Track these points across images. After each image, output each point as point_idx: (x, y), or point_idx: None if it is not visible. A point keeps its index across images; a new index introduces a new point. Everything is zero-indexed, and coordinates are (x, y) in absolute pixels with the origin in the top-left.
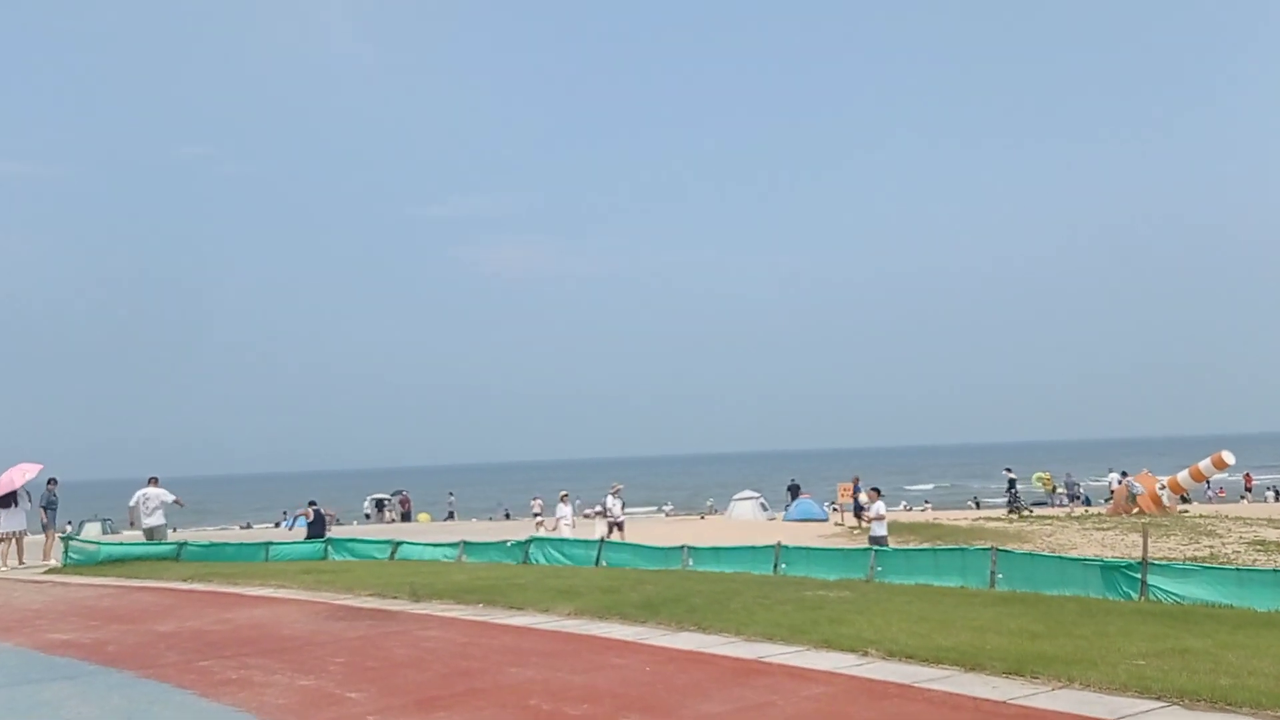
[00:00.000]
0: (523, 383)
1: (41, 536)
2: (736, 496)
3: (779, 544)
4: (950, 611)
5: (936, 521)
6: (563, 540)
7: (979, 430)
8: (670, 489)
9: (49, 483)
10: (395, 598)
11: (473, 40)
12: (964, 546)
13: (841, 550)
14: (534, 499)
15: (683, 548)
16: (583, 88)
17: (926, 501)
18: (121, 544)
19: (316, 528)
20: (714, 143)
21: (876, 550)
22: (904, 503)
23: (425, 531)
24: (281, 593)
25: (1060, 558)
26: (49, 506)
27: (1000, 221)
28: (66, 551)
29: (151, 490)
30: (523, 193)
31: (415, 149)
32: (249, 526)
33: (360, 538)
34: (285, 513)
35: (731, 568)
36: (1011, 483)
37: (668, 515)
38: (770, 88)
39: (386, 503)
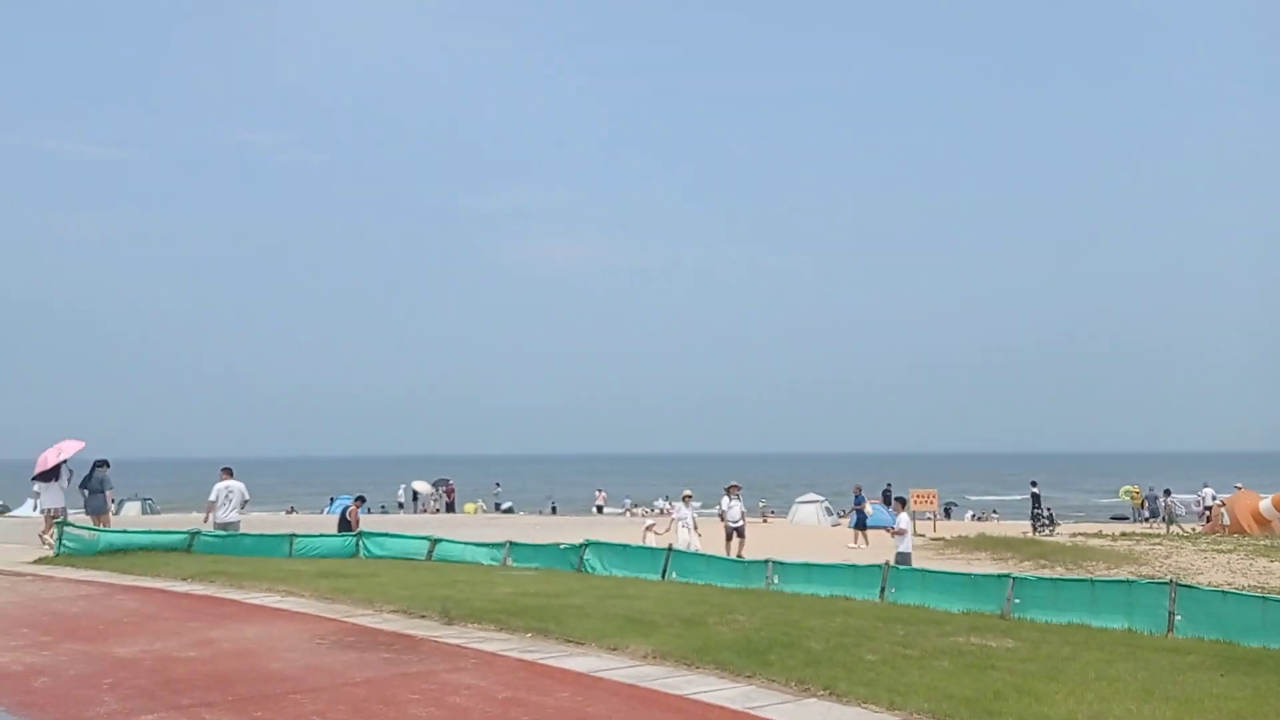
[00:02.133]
0: (568, 375)
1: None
2: (800, 500)
3: (887, 564)
4: (1174, 680)
5: (1004, 536)
6: (625, 547)
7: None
8: (712, 488)
9: (97, 464)
10: (423, 616)
11: (525, 32)
12: (1130, 578)
13: (968, 576)
14: (598, 491)
15: (766, 562)
16: (635, 80)
17: (995, 512)
18: (125, 531)
19: (344, 525)
20: (772, 137)
21: (1014, 578)
22: (970, 512)
23: (468, 524)
24: (288, 602)
25: (1263, 597)
26: (98, 489)
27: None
28: (60, 539)
29: (231, 483)
30: (573, 185)
31: (469, 139)
32: (293, 511)
33: (397, 532)
34: (331, 499)
35: (828, 589)
36: (1036, 497)
37: (724, 518)
38: (824, 87)
39: (431, 494)
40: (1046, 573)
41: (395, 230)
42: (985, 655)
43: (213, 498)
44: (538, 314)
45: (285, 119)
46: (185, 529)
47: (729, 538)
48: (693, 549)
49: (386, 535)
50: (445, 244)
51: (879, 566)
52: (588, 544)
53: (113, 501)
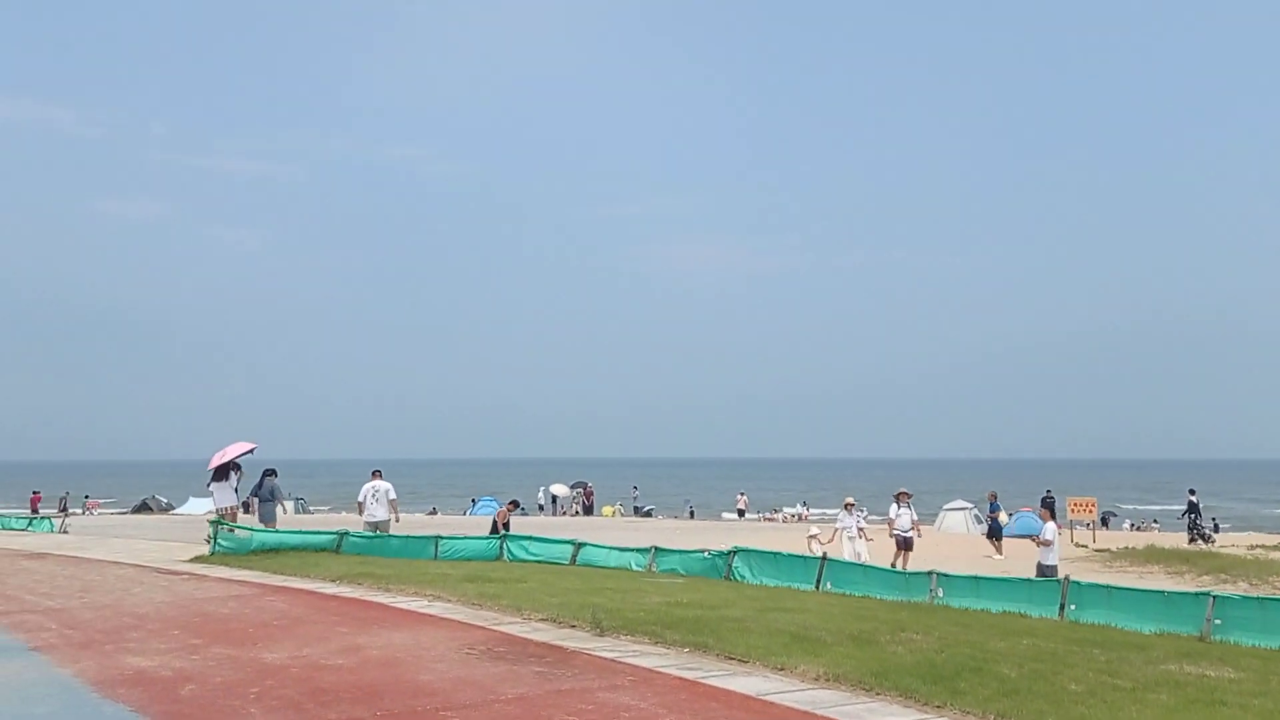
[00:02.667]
0: (706, 379)
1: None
2: (947, 506)
3: (1066, 578)
4: None
5: (1177, 548)
6: (775, 554)
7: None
8: (829, 491)
9: (267, 473)
10: (573, 626)
11: (664, 42)
12: None
13: (1160, 593)
14: (739, 495)
15: (930, 574)
16: (770, 91)
17: (1155, 521)
18: (277, 531)
19: (496, 527)
20: (899, 147)
21: (1214, 596)
22: (1129, 521)
23: (608, 527)
24: (435, 607)
25: None
26: (269, 498)
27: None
28: (215, 538)
29: (379, 484)
30: (711, 192)
31: (605, 150)
32: (434, 512)
33: (540, 536)
34: (473, 500)
35: (999, 605)
36: (1193, 505)
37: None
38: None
39: (570, 496)
40: (1229, 588)
41: (533, 238)
42: (1207, 687)
43: (361, 498)
44: (661, 320)
45: (429, 134)
46: (334, 529)
47: (899, 547)
48: (861, 560)
49: (530, 538)
50: (582, 252)
51: (1057, 581)
52: (736, 551)
53: (283, 508)
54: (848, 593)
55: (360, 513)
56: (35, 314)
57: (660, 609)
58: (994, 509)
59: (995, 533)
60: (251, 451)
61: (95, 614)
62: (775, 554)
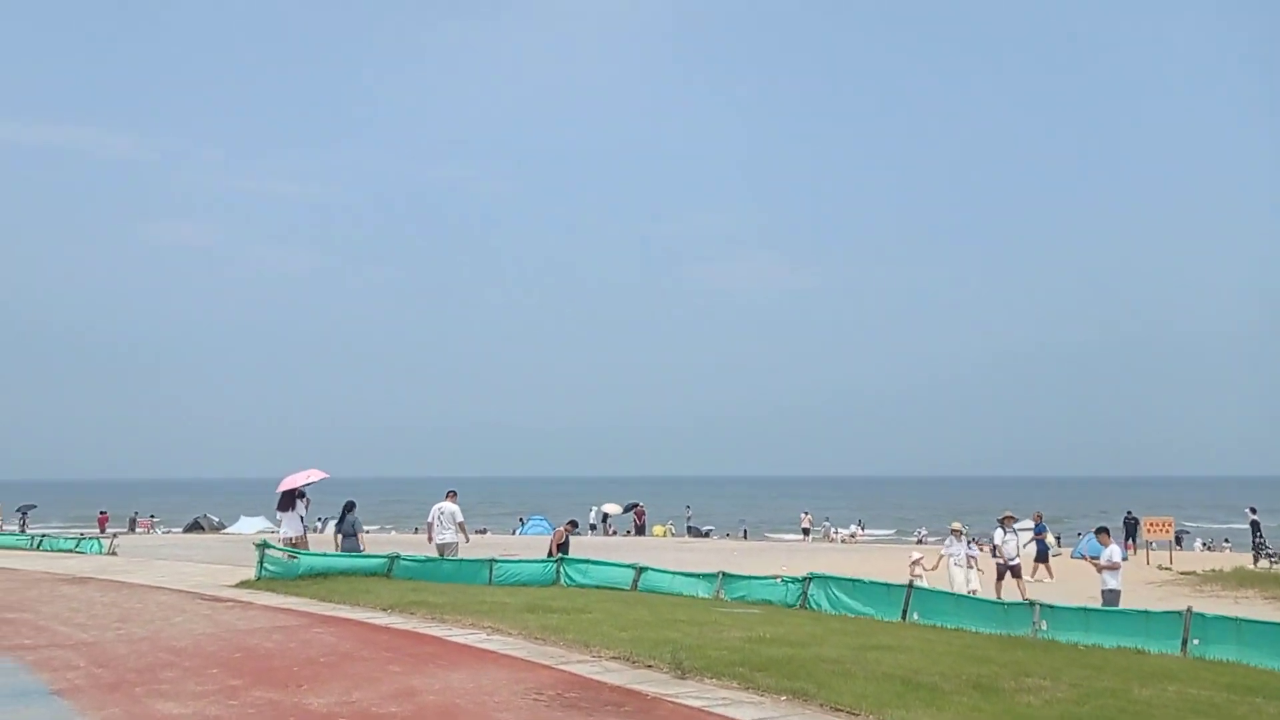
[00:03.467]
0: (743, 397)
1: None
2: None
3: (1189, 610)
4: None
5: (1272, 571)
6: (854, 581)
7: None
8: (884, 511)
9: (348, 507)
10: (650, 666)
11: (709, 59)
12: None
13: None
14: (803, 513)
15: (1032, 605)
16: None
17: (1226, 541)
18: (326, 555)
19: (564, 549)
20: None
21: None
22: (1200, 541)
23: (662, 548)
24: (494, 641)
25: None
26: (351, 532)
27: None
28: (261, 562)
29: (446, 505)
30: (755, 209)
31: (651, 166)
32: (484, 531)
33: (600, 559)
34: (522, 519)
35: (1113, 639)
36: (1256, 525)
37: (923, 543)
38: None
39: (622, 516)
40: None
41: (576, 256)
42: None
43: (430, 519)
44: (701, 335)
45: (472, 154)
46: (385, 553)
47: (1000, 576)
48: (970, 591)
49: (589, 562)
50: (634, 269)
51: (1177, 614)
52: (812, 577)
53: (363, 543)
54: (940, 625)
55: (430, 535)
56: (89, 336)
57: (744, 646)
58: (1039, 530)
59: (1042, 555)
60: (312, 482)
61: (129, 649)
62: (855, 581)
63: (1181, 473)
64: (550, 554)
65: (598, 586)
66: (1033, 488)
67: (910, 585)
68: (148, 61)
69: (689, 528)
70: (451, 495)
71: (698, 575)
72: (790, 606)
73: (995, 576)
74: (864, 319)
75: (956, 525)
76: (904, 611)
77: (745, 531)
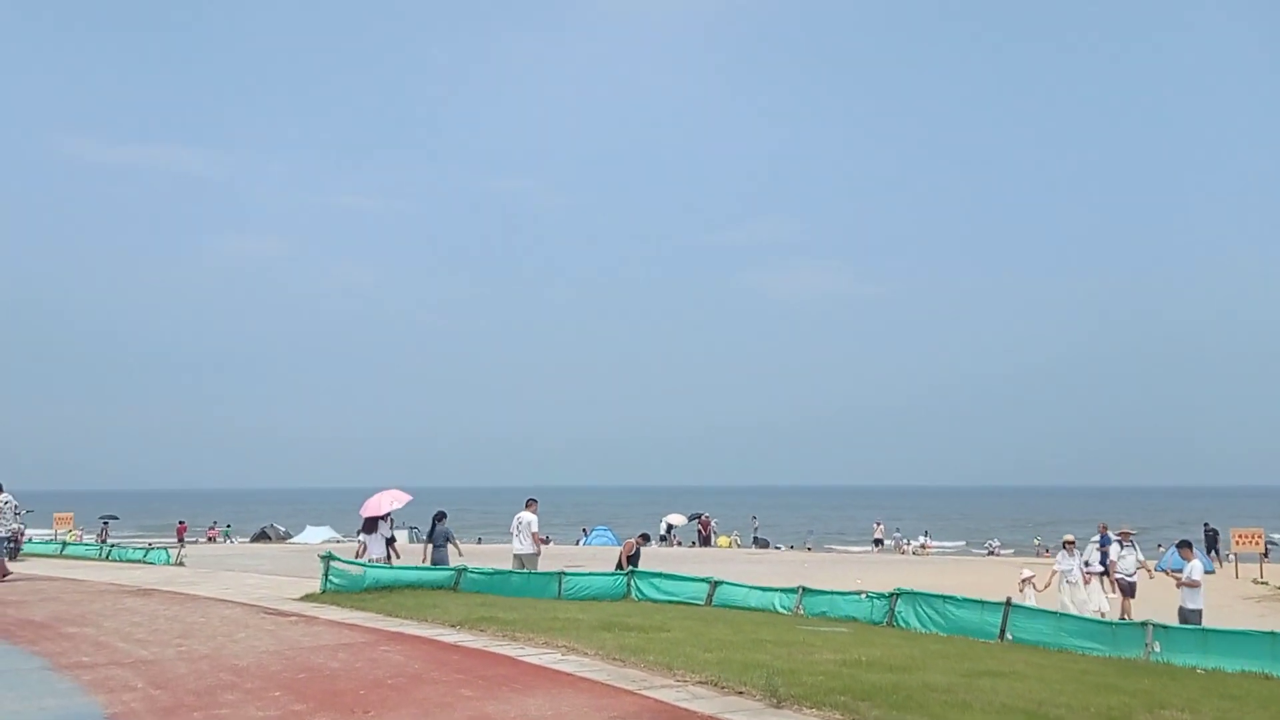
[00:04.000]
0: (802, 406)
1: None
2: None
3: None
4: None
5: None
6: (946, 599)
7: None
8: (950, 522)
9: (438, 518)
10: (740, 692)
11: (767, 70)
12: None
13: None
14: (876, 524)
15: (1145, 625)
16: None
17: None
18: (392, 568)
19: (635, 560)
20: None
21: None
22: None
23: (730, 559)
24: (569, 662)
25: None
26: (441, 544)
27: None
28: (326, 575)
29: (524, 515)
30: (813, 218)
31: (708, 176)
32: (547, 541)
33: (672, 573)
34: (585, 530)
35: (1235, 663)
36: None
37: (995, 555)
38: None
39: (687, 527)
40: None
41: (636, 265)
42: None
43: (512, 529)
44: (762, 342)
45: (535, 166)
46: (452, 565)
47: (1123, 594)
48: (1090, 611)
49: (660, 575)
50: (686, 278)
51: None
52: (900, 593)
53: (457, 550)
54: (1041, 645)
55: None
56: (166, 346)
57: (841, 670)
58: (1104, 542)
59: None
60: (396, 507)
61: (189, 668)
62: (946, 597)
63: (1239, 482)
64: (619, 566)
65: (670, 601)
66: (1094, 498)
67: (1008, 602)
68: (217, 82)
69: (755, 539)
70: (531, 504)
71: (776, 590)
72: (876, 624)
73: (1102, 593)
74: (919, 325)
75: (1070, 538)
76: (1001, 630)
77: (809, 544)
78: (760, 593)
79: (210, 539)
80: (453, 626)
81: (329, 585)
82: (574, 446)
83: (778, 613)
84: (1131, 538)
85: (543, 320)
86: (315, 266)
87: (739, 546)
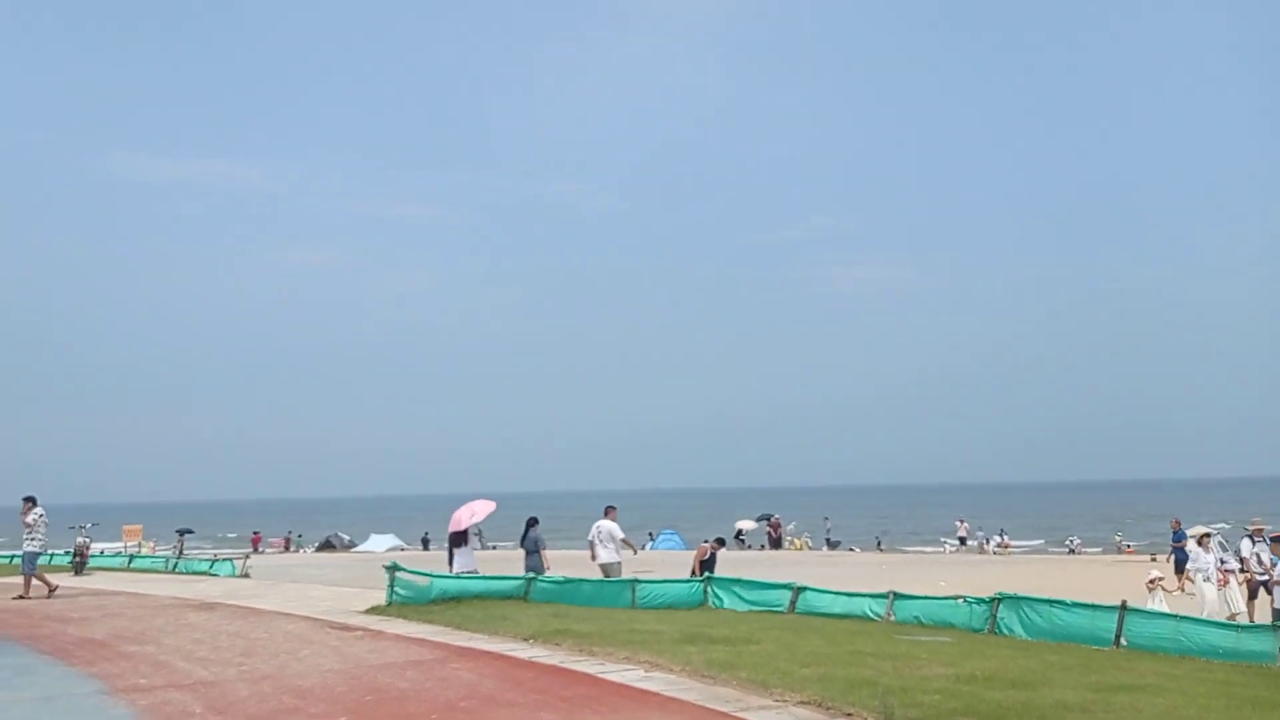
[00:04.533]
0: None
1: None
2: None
3: None
4: None
5: None
6: (1052, 603)
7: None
8: (1021, 519)
9: (530, 523)
10: (849, 715)
11: (826, 64)
12: None
13: None
14: (959, 520)
15: (1275, 628)
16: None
17: None
18: (459, 577)
19: (709, 566)
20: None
21: None
22: None
23: (803, 562)
24: (655, 680)
25: None
26: (533, 549)
27: None
28: (392, 586)
29: (605, 523)
30: (875, 213)
31: (765, 174)
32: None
33: (750, 579)
34: (651, 534)
35: None
36: None
37: (1075, 553)
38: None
39: (757, 530)
40: None
41: (692, 266)
42: None
43: (590, 537)
44: (825, 338)
45: (586, 168)
46: (521, 574)
47: (1253, 595)
48: (1231, 615)
49: (739, 582)
50: (741, 275)
51: None
52: (1002, 598)
53: (547, 561)
54: (1163, 652)
55: (592, 553)
56: (223, 360)
57: (958, 688)
58: (1178, 538)
59: (1180, 565)
60: (475, 519)
61: (251, 689)
62: (1053, 602)
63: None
64: (694, 572)
65: (752, 610)
66: (1129, 491)
67: (1124, 606)
68: (272, 97)
69: (827, 540)
70: (611, 511)
71: (864, 595)
72: (977, 632)
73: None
74: (965, 315)
75: (1202, 531)
76: (1116, 637)
77: (879, 541)
78: (847, 599)
79: (285, 546)
80: (525, 640)
81: (395, 597)
82: (631, 448)
83: (868, 620)
84: (1264, 533)
85: (595, 323)
86: (369, 276)
87: (809, 548)
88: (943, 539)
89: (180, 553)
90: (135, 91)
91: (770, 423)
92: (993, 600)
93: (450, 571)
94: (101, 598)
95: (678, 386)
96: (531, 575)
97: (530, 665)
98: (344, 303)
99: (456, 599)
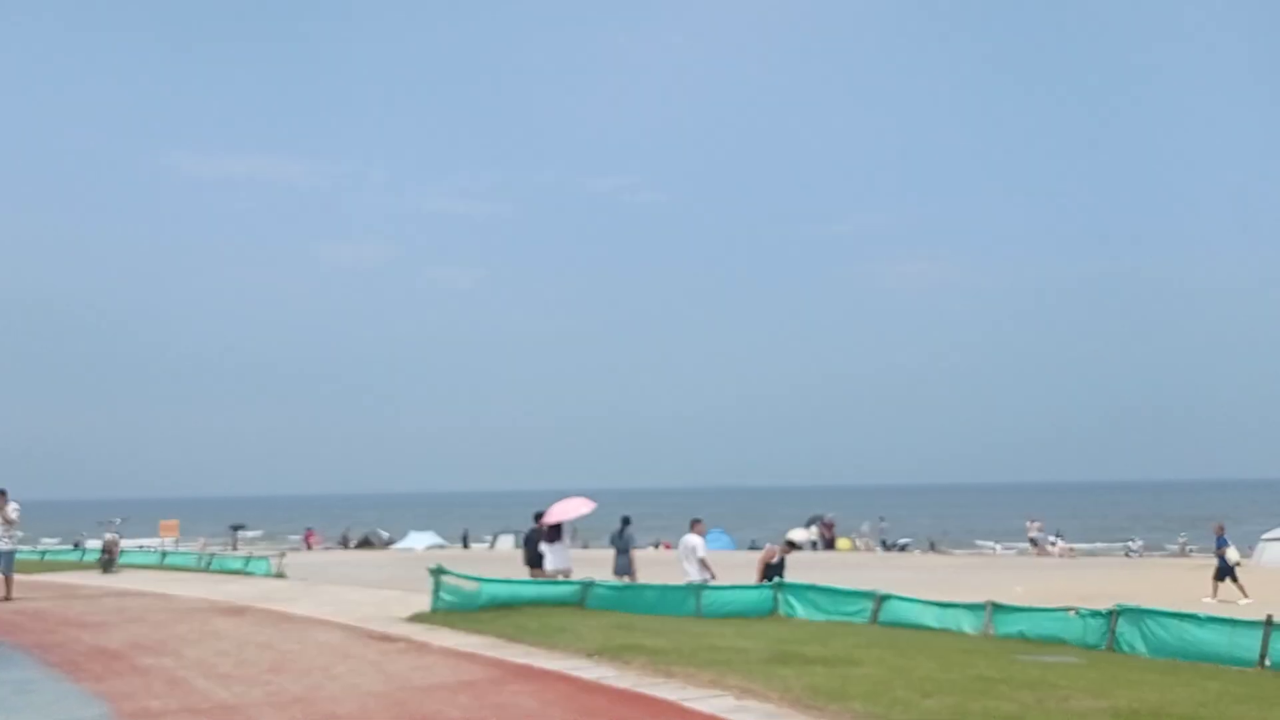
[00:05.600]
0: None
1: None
2: (1266, 536)
3: None
4: None
5: None
6: (1182, 617)
7: None
8: (1080, 519)
9: (624, 522)
10: None
11: (864, 57)
12: None
13: None
14: (1030, 521)
15: None
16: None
17: None
18: (510, 582)
19: (777, 573)
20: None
21: None
22: None
23: (864, 565)
24: (751, 710)
25: None
26: (624, 549)
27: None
28: (437, 591)
29: (690, 538)
30: (914, 209)
31: (810, 168)
32: (658, 545)
33: (827, 585)
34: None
35: None
36: None
37: (1133, 556)
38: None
39: (802, 542)
40: None
41: (740, 260)
42: None
43: (679, 555)
44: (870, 337)
45: (632, 163)
46: (575, 581)
47: None
48: None
49: (813, 588)
50: (789, 270)
51: None
52: (1121, 611)
53: (634, 564)
54: None
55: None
56: (274, 358)
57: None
58: (1221, 544)
59: (1224, 572)
60: (582, 514)
61: (278, 716)
62: (1182, 615)
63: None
64: (765, 577)
65: (828, 619)
66: (1169, 493)
67: (1269, 621)
68: (312, 92)
69: (883, 541)
70: (696, 525)
71: (957, 606)
72: (1092, 649)
73: None
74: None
75: None
76: (1261, 656)
77: (932, 543)
78: (939, 609)
79: (343, 543)
80: (589, 657)
81: (440, 603)
82: (672, 444)
83: (964, 634)
84: None
85: (642, 316)
86: (417, 272)
87: (862, 549)
88: (984, 541)
89: (235, 547)
90: (184, 91)
91: (811, 419)
92: (1110, 613)
93: (547, 570)
94: (126, 599)
95: (716, 380)
96: (589, 581)
97: (600, 689)
98: (383, 299)
99: (508, 605)
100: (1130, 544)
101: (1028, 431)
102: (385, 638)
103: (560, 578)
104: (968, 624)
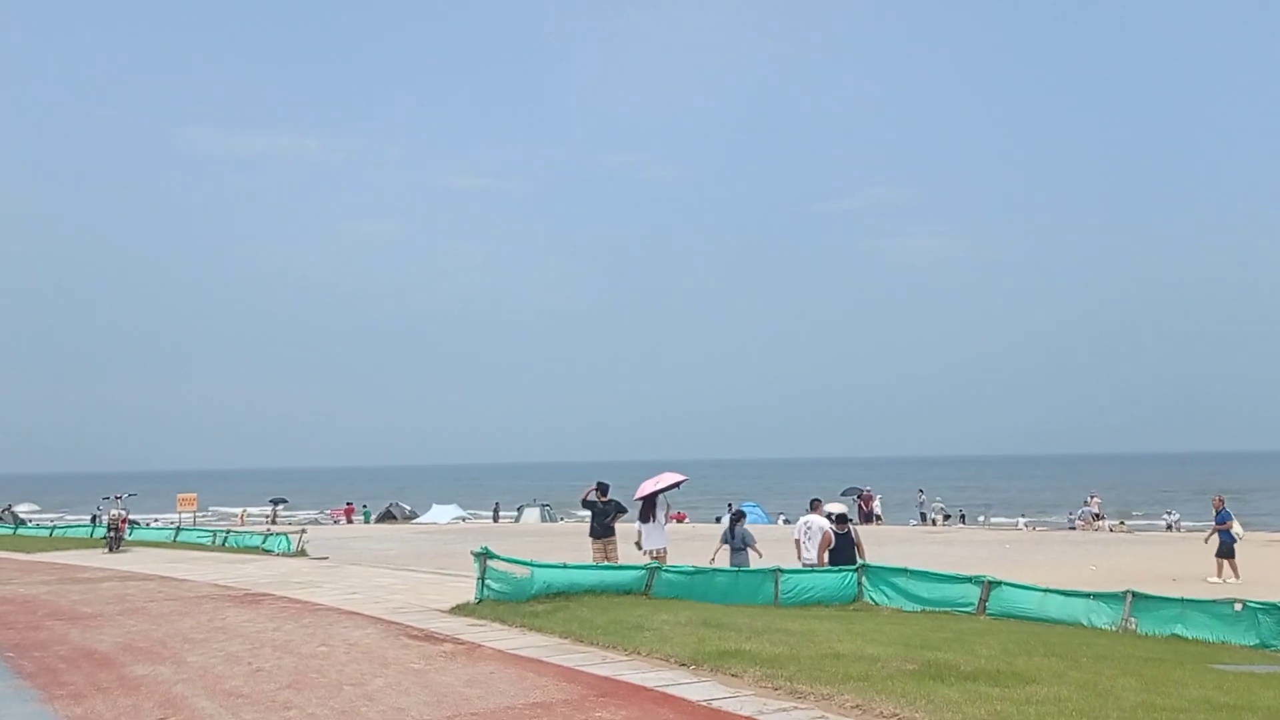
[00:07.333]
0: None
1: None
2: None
3: None
4: None
5: None
6: None
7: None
8: (1118, 491)
9: (736, 517)
10: None
11: (876, 31)
12: None
13: None
14: (1091, 496)
15: None
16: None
17: None
18: (565, 567)
19: (842, 553)
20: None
21: None
22: None
23: (909, 540)
24: None
25: None
26: (741, 546)
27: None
28: (482, 578)
29: (813, 519)
30: (927, 184)
31: (819, 143)
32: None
33: (919, 570)
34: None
35: None
36: None
37: (1176, 529)
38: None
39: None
40: None
41: (754, 237)
42: None
43: (796, 535)
44: (883, 310)
45: (645, 140)
46: (640, 563)
47: None
48: None
49: (904, 572)
50: (801, 245)
51: None
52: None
53: (757, 554)
54: None
55: (799, 553)
56: (300, 329)
57: None
58: (1222, 519)
59: (1226, 550)
60: (678, 485)
61: None
62: None
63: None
64: (821, 561)
65: (925, 608)
66: (1186, 464)
67: None
68: (329, 69)
69: (923, 515)
70: (817, 506)
71: (1085, 594)
72: (1268, 649)
73: None
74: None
75: None
76: None
77: (963, 516)
78: (1061, 598)
79: (337, 518)
80: (685, 666)
81: (487, 592)
82: (693, 419)
83: (1105, 633)
84: None
85: (655, 293)
86: (433, 247)
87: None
88: (1019, 516)
89: (274, 521)
90: (193, 64)
91: (838, 395)
92: (1270, 607)
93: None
94: (129, 583)
95: (731, 360)
96: (655, 565)
97: (707, 713)
98: (399, 274)
99: (564, 594)
100: (1169, 515)
101: (1047, 405)
102: (428, 636)
103: (656, 559)
104: (1102, 617)
